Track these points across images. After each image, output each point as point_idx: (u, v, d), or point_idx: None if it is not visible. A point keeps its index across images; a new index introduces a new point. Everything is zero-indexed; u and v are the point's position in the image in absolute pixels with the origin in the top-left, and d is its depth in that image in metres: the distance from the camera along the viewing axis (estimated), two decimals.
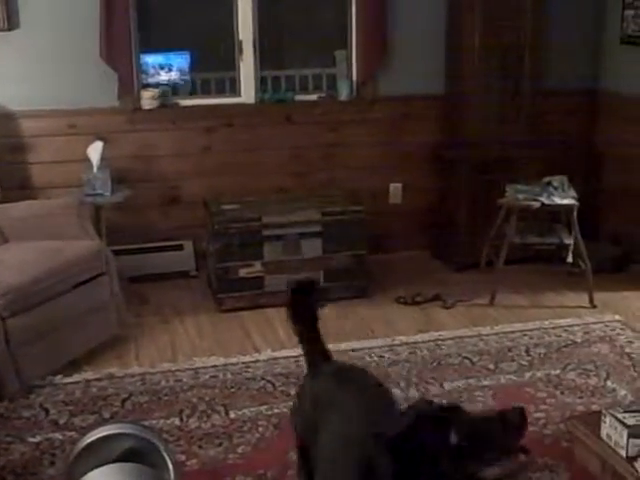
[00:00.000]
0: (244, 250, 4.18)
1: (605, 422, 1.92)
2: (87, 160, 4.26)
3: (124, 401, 3.27)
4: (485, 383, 3.42)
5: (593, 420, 1.95)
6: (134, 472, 2.20)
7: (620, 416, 1.92)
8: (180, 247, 4.66)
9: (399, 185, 5.03)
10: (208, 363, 3.59)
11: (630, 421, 1.89)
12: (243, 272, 4.19)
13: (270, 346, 3.77)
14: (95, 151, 4.28)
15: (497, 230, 4.50)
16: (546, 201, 4.29)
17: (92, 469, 2.22)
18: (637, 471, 1.77)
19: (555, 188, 4.39)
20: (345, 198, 4.54)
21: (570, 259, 4.43)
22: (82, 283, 3.59)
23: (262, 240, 4.21)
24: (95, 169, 4.24)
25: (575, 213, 4.28)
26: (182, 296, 4.40)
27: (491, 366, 3.58)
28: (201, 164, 4.73)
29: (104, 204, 4.22)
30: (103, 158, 4.27)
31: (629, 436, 1.86)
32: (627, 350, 3.74)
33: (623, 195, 4.93)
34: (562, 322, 4.05)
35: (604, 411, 1.93)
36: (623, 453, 1.85)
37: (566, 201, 4.31)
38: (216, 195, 4.60)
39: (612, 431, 1.92)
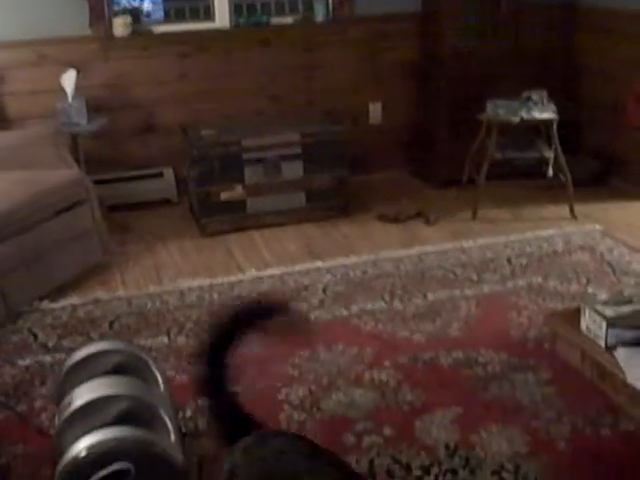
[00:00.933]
0: (224, 174, 4.17)
1: (584, 315, 1.96)
2: (61, 90, 4.20)
3: (112, 323, 3.29)
4: (468, 293, 3.47)
5: (573, 315, 1.99)
6: (124, 384, 2.23)
7: (599, 308, 1.95)
8: (160, 175, 4.64)
9: (379, 105, 5.00)
10: (194, 285, 3.61)
11: (608, 312, 1.92)
12: (225, 196, 4.19)
13: (254, 266, 3.80)
14: (69, 80, 4.21)
15: (478, 146, 4.50)
16: (526, 116, 4.29)
17: (81, 383, 2.25)
18: (616, 359, 1.80)
19: (534, 103, 4.38)
20: (324, 119, 4.52)
21: (551, 173, 4.45)
22: (63, 211, 3.58)
23: (242, 163, 4.20)
24: (70, 98, 4.18)
25: (555, 127, 4.28)
26: (164, 223, 4.39)
27: (474, 277, 3.62)
28: (177, 91, 4.67)
29: (81, 133, 4.18)
30: (77, 87, 4.20)
31: (608, 326, 1.89)
32: (607, 258, 3.79)
33: (603, 109, 4.92)
34: (543, 233, 4.09)
35: (583, 305, 1.96)
36: (602, 343, 1.89)
37: (545, 115, 4.31)
38: (194, 121, 4.55)
39: (591, 323, 1.95)
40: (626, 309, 1.88)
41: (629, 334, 1.85)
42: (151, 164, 4.65)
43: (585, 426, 2.51)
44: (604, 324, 1.85)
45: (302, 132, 4.28)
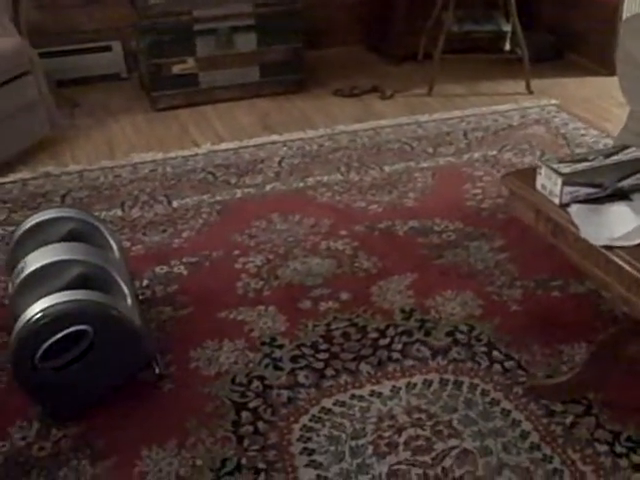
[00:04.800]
0: (175, 46, 4.02)
1: (540, 173, 1.95)
2: None
3: (64, 197, 3.23)
4: (424, 165, 3.46)
5: (529, 174, 1.98)
6: (78, 249, 2.20)
7: (555, 166, 1.94)
8: (108, 48, 4.45)
9: None
10: (147, 158, 3.54)
11: (564, 170, 1.91)
12: (176, 69, 4.05)
13: (209, 140, 3.73)
14: None
15: (435, 19, 4.41)
16: None
17: (34, 250, 2.21)
18: (570, 216, 1.82)
19: None
20: None
21: (508, 47, 4.40)
22: (7, 82, 3.43)
23: (194, 35, 4.04)
24: None
25: None
26: (115, 98, 4.25)
27: (430, 150, 3.61)
28: None
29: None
30: None
31: (563, 184, 1.89)
32: (562, 131, 3.79)
33: None
34: (499, 108, 4.06)
35: (539, 162, 1.95)
36: (557, 201, 1.89)
37: None
38: None
39: (547, 181, 1.94)
40: (581, 166, 1.88)
41: (583, 191, 1.86)
42: (99, 37, 4.45)
43: (536, 289, 2.58)
44: (559, 181, 1.85)
45: (255, 2, 4.13)
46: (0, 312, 2.46)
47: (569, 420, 2.03)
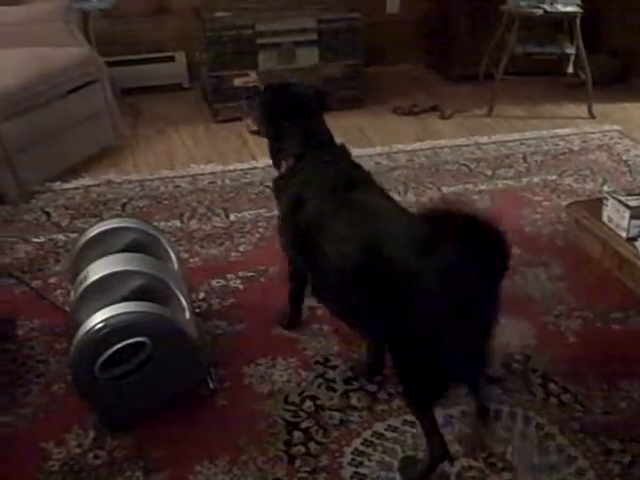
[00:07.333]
0: (238, 59, 4.07)
1: (607, 205, 1.93)
2: None
3: (124, 205, 3.28)
4: (482, 188, 3.43)
5: (595, 205, 1.96)
6: (139, 261, 2.23)
7: (623, 199, 1.92)
8: (172, 58, 4.53)
9: None
10: (206, 170, 3.59)
11: (633, 203, 1.89)
12: (238, 82, 4.10)
13: (267, 154, 3.74)
14: None
15: (498, 40, 4.38)
16: (549, 8, 4.15)
17: (96, 260, 2.25)
18: (637, 250, 1.79)
19: None
20: (341, 6, 4.37)
21: (571, 70, 4.35)
22: (75, 90, 3.52)
23: (256, 48, 4.09)
24: None
25: (578, 21, 4.15)
26: (176, 108, 4.32)
27: (488, 172, 3.58)
28: None
29: (92, 10, 4.04)
30: None
31: (631, 217, 1.87)
32: (624, 157, 3.73)
33: (625, 5, 4.75)
34: (560, 132, 4.02)
35: (607, 194, 1.93)
36: (624, 234, 1.86)
37: (570, 8, 4.17)
38: (207, 2, 4.40)
39: (614, 213, 1.92)
40: None
41: None
42: (163, 48, 4.53)
43: (595, 321, 2.53)
44: (627, 214, 1.83)
45: (319, 18, 4.16)
46: (61, 317, 2.50)
47: (627, 459, 1.98)
